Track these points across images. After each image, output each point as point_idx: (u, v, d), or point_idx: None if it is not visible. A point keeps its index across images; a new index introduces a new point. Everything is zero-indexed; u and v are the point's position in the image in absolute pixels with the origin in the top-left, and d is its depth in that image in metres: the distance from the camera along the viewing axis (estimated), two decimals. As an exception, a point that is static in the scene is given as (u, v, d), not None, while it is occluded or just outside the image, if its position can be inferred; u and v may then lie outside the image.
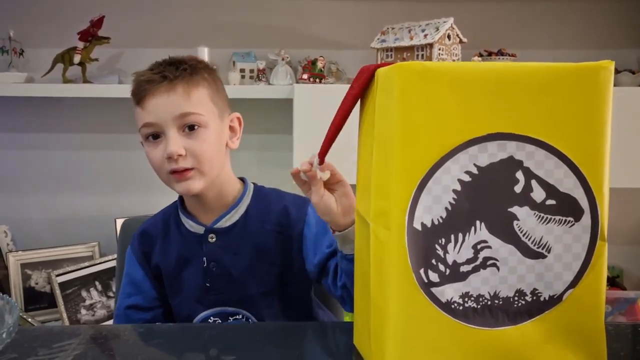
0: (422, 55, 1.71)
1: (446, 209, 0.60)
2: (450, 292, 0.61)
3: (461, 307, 0.61)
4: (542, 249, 0.62)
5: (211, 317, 1.02)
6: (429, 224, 0.60)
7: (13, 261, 1.95)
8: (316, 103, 1.70)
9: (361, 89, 0.67)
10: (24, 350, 0.75)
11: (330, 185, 0.81)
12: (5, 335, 0.59)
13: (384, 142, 0.61)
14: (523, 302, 0.62)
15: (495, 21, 2.03)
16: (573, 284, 0.62)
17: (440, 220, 0.60)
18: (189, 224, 1.03)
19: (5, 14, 1.99)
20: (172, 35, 2.00)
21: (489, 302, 0.61)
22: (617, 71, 1.97)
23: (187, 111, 0.94)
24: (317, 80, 1.89)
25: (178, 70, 0.95)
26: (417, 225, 0.60)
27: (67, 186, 2.09)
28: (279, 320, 1.01)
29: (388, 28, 1.82)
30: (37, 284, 1.96)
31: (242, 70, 1.94)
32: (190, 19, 2.01)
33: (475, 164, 0.60)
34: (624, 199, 2.12)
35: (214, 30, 2.01)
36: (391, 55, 1.78)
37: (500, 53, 1.93)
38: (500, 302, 0.62)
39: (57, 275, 1.87)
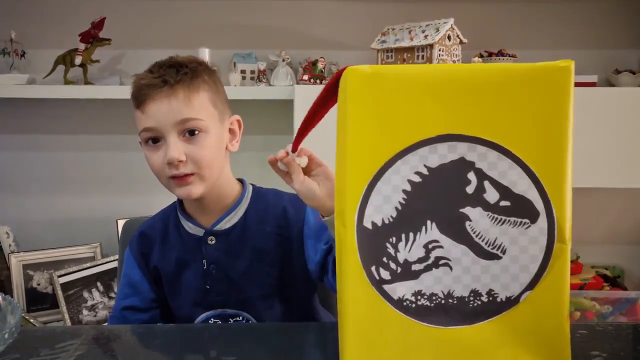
0: (423, 56, 1.71)
1: (396, 208, 0.61)
2: (402, 289, 0.61)
3: (414, 305, 0.62)
4: (497, 250, 0.62)
5: (211, 319, 1.02)
6: (379, 223, 0.61)
7: (15, 262, 1.95)
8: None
9: (327, 90, 0.67)
10: (27, 350, 0.76)
11: (311, 170, 0.82)
12: (8, 335, 0.59)
13: (340, 143, 0.62)
14: (479, 302, 0.62)
15: (496, 22, 2.03)
16: (530, 285, 0.62)
17: (391, 220, 0.61)
18: (188, 226, 1.03)
19: (6, 15, 1.99)
20: (173, 37, 2.01)
21: (443, 301, 0.62)
22: (617, 71, 1.97)
23: (188, 117, 0.93)
24: (318, 81, 1.89)
25: (179, 75, 0.94)
26: (368, 224, 0.61)
27: (68, 187, 2.09)
28: (279, 322, 1.01)
29: (388, 29, 1.82)
30: (39, 284, 1.97)
31: (242, 71, 1.95)
32: (191, 20, 2.02)
33: (425, 165, 0.60)
34: (624, 199, 2.12)
35: (215, 31, 2.02)
36: (391, 55, 1.78)
37: (500, 54, 1.93)
38: (455, 302, 0.62)
39: (59, 276, 1.87)
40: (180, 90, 0.93)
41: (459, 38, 1.74)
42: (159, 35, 2.01)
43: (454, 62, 1.74)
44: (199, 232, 1.01)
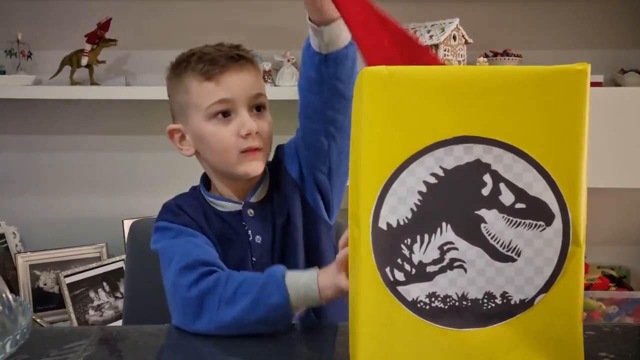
0: (428, 56, 1.71)
1: (412, 210, 0.61)
2: (416, 291, 0.61)
3: (428, 307, 0.62)
4: (512, 252, 0.61)
5: None
6: (394, 224, 0.61)
7: (22, 262, 1.96)
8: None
9: None
10: (36, 351, 0.76)
11: None
12: (19, 336, 0.60)
13: (355, 144, 0.63)
14: (493, 305, 0.62)
15: (501, 22, 2.03)
16: (545, 288, 0.62)
17: (406, 221, 0.61)
18: (222, 206, 1.01)
19: (13, 16, 2.00)
20: (178, 37, 2.01)
21: (457, 303, 0.62)
22: (623, 71, 1.96)
23: (260, 92, 0.98)
24: (323, 81, 1.89)
25: (245, 53, 0.99)
26: (383, 225, 0.61)
27: (75, 188, 2.10)
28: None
29: (394, 29, 1.82)
30: (45, 284, 1.98)
31: (248, 72, 1.95)
32: (197, 21, 2.02)
33: (441, 167, 0.60)
34: (631, 200, 2.11)
35: (220, 31, 2.02)
36: (397, 56, 1.78)
37: (505, 54, 1.93)
38: (469, 304, 0.62)
39: (66, 276, 1.88)
40: (251, 67, 0.98)
41: (464, 38, 1.74)
42: (164, 36, 2.01)
43: (459, 62, 1.74)
44: (237, 207, 1.01)
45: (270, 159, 1.06)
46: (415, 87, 0.60)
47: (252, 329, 0.83)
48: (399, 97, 0.60)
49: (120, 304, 1.90)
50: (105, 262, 1.95)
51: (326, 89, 0.92)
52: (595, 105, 2.01)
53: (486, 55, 1.93)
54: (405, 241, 0.61)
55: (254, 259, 1.00)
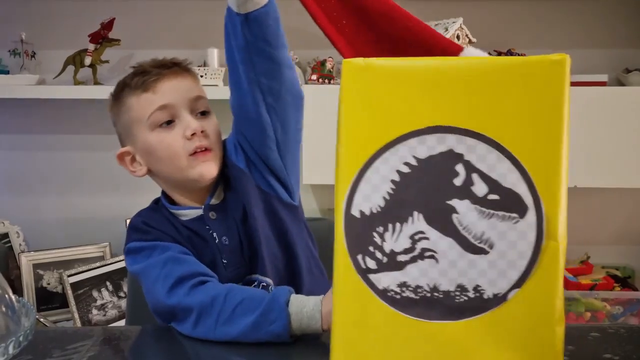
0: (432, 55, 1.71)
1: (384, 198, 0.61)
2: (387, 280, 0.61)
3: (398, 296, 0.61)
4: (484, 244, 0.60)
5: None
6: (367, 212, 0.61)
7: (25, 261, 1.97)
8: (325, 103, 1.70)
9: None
10: (39, 351, 0.76)
11: None
12: (22, 338, 0.59)
13: (337, 133, 0.63)
14: (465, 298, 0.61)
15: (505, 21, 2.02)
16: (518, 283, 0.60)
17: (379, 209, 0.61)
18: (184, 215, 1.01)
19: (17, 16, 2.01)
20: (182, 37, 2.01)
21: (428, 295, 0.61)
22: (627, 71, 1.95)
23: (199, 94, 0.97)
24: (326, 80, 1.89)
25: (179, 62, 1.00)
26: (356, 213, 0.61)
27: (78, 187, 2.10)
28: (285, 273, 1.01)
29: (397, 28, 1.82)
30: (49, 284, 1.98)
31: (251, 71, 1.95)
32: (200, 21, 2.02)
33: (414, 156, 0.60)
34: (635, 200, 2.11)
35: (223, 31, 2.01)
36: (400, 55, 1.78)
37: (509, 53, 1.92)
38: (441, 296, 0.61)
39: (69, 276, 1.89)
40: (187, 73, 0.99)
41: (468, 37, 1.73)
42: (168, 36, 2.01)
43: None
44: (198, 212, 1.00)
45: None
46: (390, 77, 0.60)
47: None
48: (374, 87, 0.60)
49: (123, 303, 1.90)
50: (109, 262, 1.96)
51: (254, 53, 0.90)
52: (600, 104, 2.01)
53: (490, 55, 1.92)
54: (378, 229, 0.61)
55: (224, 261, 0.99)
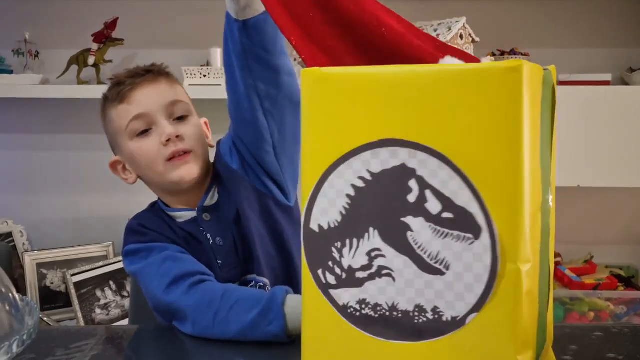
0: (435, 55, 1.70)
1: (341, 213, 0.59)
2: (346, 296, 0.59)
3: (358, 314, 0.59)
4: (440, 264, 0.56)
5: None
6: (325, 227, 0.59)
7: (29, 261, 1.97)
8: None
9: None
10: (42, 350, 0.76)
11: None
12: (26, 337, 0.60)
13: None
14: (424, 319, 0.57)
15: (508, 20, 2.02)
16: (476, 308, 0.55)
17: (336, 224, 0.59)
18: (180, 217, 1.02)
19: (20, 16, 2.01)
20: (185, 37, 2.01)
21: (387, 313, 0.58)
22: (631, 70, 1.95)
23: (175, 99, 0.98)
24: (329, 80, 1.89)
25: (155, 67, 1.00)
26: (315, 227, 0.59)
27: (81, 186, 2.11)
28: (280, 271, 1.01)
29: (400, 28, 1.81)
30: (52, 283, 1.98)
31: (254, 71, 1.95)
32: (203, 20, 2.02)
33: (368, 170, 0.57)
34: (638, 199, 2.10)
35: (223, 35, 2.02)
36: (403, 55, 1.77)
37: (513, 52, 1.92)
38: (400, 315, 0.58)
39: (72, 275, 1.89)
40: (163, 78, 0.99)
41: (471, 37, 1.73)
42: (171, 36, 2.02)
43: (466, 61, 1.73)
44: (192, 214, 1.01)
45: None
46: (347, 87, 0.57)
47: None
48: (331, 98, 0.58)
49: (126, 302, 1.91)
50: (112, 261, 1.96)
51: (252, 60, 0.90)
52: (603, 104, 2.01)
53: (493, 54, 1.92)
54: (336, 244, 0.59)
55: (219, 262, 0.99)
